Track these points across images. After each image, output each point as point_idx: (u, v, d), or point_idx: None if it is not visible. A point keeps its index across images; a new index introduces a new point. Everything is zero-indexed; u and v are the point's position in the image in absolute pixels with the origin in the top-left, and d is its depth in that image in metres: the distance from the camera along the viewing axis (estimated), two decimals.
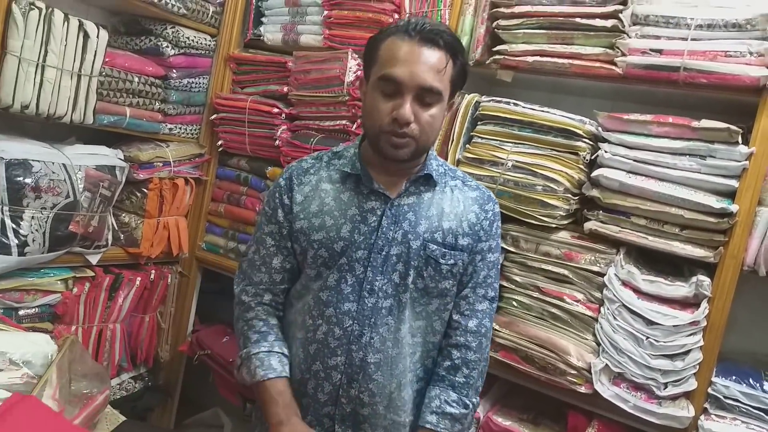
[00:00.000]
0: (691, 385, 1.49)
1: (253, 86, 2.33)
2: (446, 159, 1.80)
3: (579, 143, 1.64)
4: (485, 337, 1.31)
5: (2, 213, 1.69)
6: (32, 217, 1.74)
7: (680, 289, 1.51)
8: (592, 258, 1.63)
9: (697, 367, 1.49)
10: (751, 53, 1.46)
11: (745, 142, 1.47)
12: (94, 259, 2.03)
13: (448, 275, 1.26)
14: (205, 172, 2.41)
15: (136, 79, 2.06)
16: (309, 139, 2.09)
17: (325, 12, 2.09)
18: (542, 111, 1.68)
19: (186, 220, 2.38)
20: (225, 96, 2.32)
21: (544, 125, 1.67)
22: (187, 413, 2.57)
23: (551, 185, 1.63)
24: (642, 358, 1.50)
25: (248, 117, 2.23)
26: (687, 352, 1.48)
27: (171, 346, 2.42)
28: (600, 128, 1.65)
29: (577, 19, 1.64)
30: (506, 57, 1.77)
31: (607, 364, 1.55)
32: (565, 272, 1.65)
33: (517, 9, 1.74)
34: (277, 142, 2.16)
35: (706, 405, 1.50)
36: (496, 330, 1.65)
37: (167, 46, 2.15)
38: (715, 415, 1.49)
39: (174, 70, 2.21)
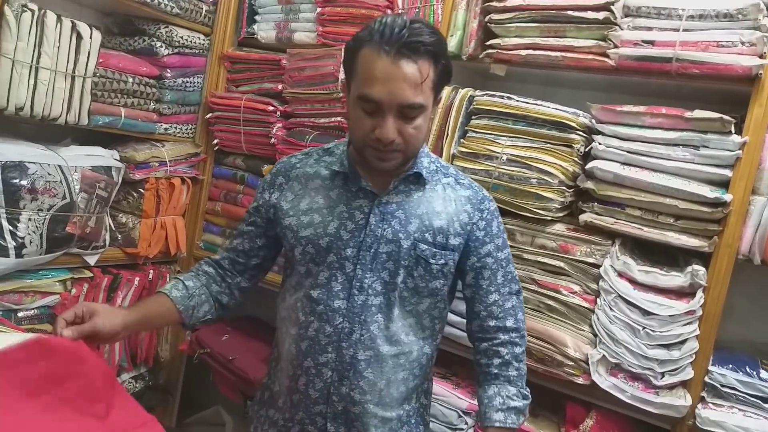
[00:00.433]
0: (688, 374, 1.50)
1: (247, 84, 2.33)
2: (441, 154, 1.80)
3: (573, 136, 1.64)
4: (523, 327, 1.34)
5: None
6: (29, 219, 1.74)
7: (676, 279, 1.52)
8: (588, 250, 1.64)
9: (694, 356, 1.50)
10: (742, 43, 1.46)
11: (739, 132, 1.48)
12: (92, 260, 2.03)
13: (439, 275, 1.25)
14: (202, 172, 2.41)
15: (131, 80, 2.06)
16: (304, 136, 2.09)
17: (318, 9, 2.09)
18: (536, 104, 1.69)
19: (183, 219, 2.38)
20: (220, 95, 2.33)
21: (538, 118, 1.68)
22: (188, 412, 2.58)
23: (546, 178, 1.64)
24: (639, 348, 1.51)
25: (243, 115, 2.23)
26: (683, 342, 1.49)
27: (171, 346, 2.42)
28: (594, 120, 1.66)
29: (569, 12, 1.64)
30: (499, 51, 1.77)
31: (604, 355, 1.56)
32: (561, 264, 1.66)
33: (509, 2, 1.74)
34: (272, 140, 2.17)
35: (703, 394, 1.51)
36: None
37: (161, 46, 2.15)
38: (713, 403, 1.50)
39: (168, 70, 2.21)
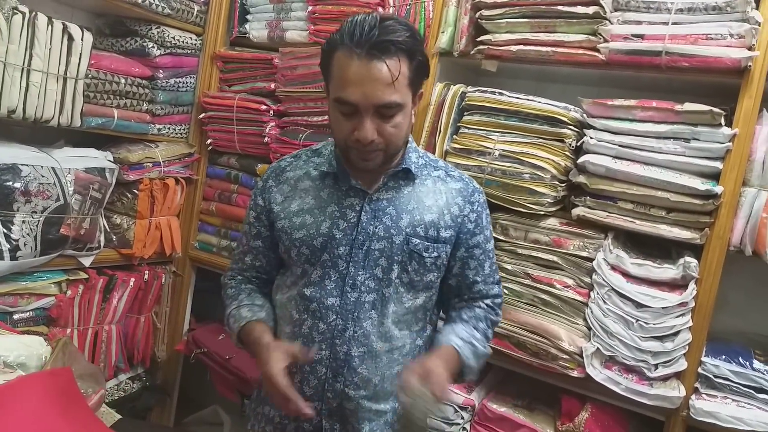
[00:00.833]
0: (682, 365, 1.50)
1: (240, 84, 2.33)
2: (434, 150, 1.81)
3: (565, 130, 1.65)
4: (500, 308, 1.40)
5: None
6: (23, 222, 1.75)
7: (668, 271, 1.53)
8: (581, 243, 1.65)
9: (687, 347, 1.50)
10: (731, 35, 1.47)
11: (729, 124, 1.49)
12: (87, 262, 2.03)
13: (432, 268, 1.27)
14: (196, 172, 2.41)
15: (123, 81, 2.06)
16: (298, 134, 2.10)
17: (310, 7, 2.10)
18: (527, 100, 1.69)
19: (178, 219, 2.38)
20: (213, 95, 2.33)
21: (530, 114, 1.68)
22: (186, 412, 2.59)
23: (538, 173, 1.64)
24: (632, 340, 1.52)
25: (236, 115, 2.23)
26: (676, 333, 1.50)
27: (167, 346, 2.43)
28: (585, 115, 1.66)
29: (559, 7, 1.65)
30: (490, 47, 1.78)
31: (598, 348, 1.57)
32: (555, 258, 1.67)
33: None
34: (266, 139, 2.17)
35: (697, 385, 1.52)
36: None
37: (153, 47, 2.15)
38: (706, 394, 1.51)
39: (160, 71, 2.21)
